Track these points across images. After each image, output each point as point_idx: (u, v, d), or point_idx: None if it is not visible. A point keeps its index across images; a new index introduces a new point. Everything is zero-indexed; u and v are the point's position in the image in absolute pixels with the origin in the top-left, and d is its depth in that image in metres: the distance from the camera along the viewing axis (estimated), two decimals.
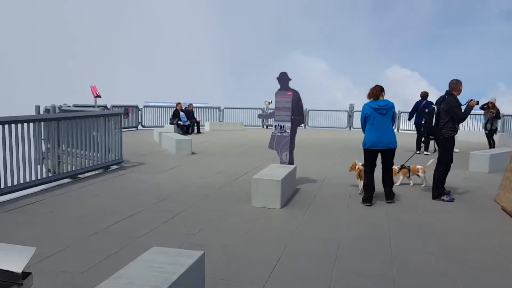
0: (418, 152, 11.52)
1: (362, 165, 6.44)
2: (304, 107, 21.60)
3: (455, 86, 6.21)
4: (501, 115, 14.71)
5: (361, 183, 6.42)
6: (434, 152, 9.99)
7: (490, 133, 12.82)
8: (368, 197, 5.91)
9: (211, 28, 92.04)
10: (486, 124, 12.78)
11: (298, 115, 7.31)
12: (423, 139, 9.11)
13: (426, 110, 6.74)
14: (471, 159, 9.10)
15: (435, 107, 6.28)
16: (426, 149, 11.51)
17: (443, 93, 6.35)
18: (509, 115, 17.75)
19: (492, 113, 12.68)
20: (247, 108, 21.64)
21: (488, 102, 12.93)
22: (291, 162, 7.27)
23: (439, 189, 6.31)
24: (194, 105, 18.37)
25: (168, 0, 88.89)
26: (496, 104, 12.89)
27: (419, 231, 4.74)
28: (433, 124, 6.21)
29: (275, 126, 7.33)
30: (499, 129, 16.03)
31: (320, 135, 17.27)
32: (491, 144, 12.87)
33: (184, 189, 6.68)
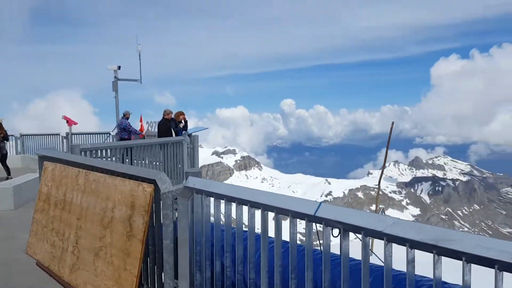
0: None
1: None
2: None
3: None
4: (9, 136, 13.55)
5: None
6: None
7: (2, 158, 11.32)
8: None
9: None
10: None
11: None
12: None
13: None
14: None
15: None
16: None
17: None
18: (27, 134, 16.85)
19: None
20: None
21: None
22: None
23: None
24: None
25: None
26: (4, 125, 11.67)
27: None
28: None
29: None
30: (12, 152, 14.85)
31: None
32: (7, 171, 11.40)
33: None
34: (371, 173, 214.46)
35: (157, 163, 8.98)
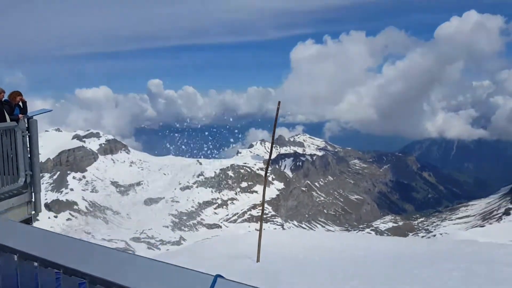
0: None
1: None
2: None
3: None
4: None
5: None
6: None
7: None
8: None
9: None
10: None
11: None
12: None
13: None
14: None
15: None
16: None
17: None
18: None
19: None
20: None
21: None
22: None
23: None
24: None
25: None
26: None
27: None
28: None
29: None
30: None
31: None
32: None
33: None
34: (240, 152, 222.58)
35: None
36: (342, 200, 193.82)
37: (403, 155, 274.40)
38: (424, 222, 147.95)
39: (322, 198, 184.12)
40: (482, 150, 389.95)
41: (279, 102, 7.82)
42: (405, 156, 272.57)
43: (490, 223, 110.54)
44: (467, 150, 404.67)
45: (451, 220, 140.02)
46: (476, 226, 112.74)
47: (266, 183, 9.62)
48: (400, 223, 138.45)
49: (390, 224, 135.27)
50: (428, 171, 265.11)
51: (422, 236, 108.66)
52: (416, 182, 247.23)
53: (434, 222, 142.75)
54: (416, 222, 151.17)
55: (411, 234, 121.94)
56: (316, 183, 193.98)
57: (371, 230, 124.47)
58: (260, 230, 8.65)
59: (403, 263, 7.12)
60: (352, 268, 6.98)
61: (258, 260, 8.56)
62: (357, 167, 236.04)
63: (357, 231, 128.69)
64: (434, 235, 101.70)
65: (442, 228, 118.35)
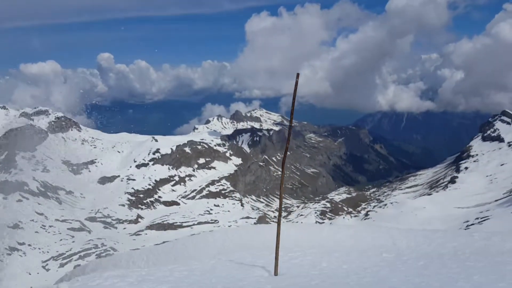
0: None
1: None
2: None
3: None
4: None
5: None
6: None
7: None
8: None
9: None
10: None
11: None
12: None
13: None
14: None
15: None
16: None
17: None
18: None
19: None
20: None
21: None
22: None
23: None
24: None
25: None
26: None
27: None
28: None
29: None
30: None
31: None
32: None
33: None
34: (197, 128, 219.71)
35: None
36: (298, 173, 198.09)
37: (356, 129, 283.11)
38: (376, 192, 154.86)
39: (279, 173, 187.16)
40: (429, 122, 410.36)
41: (298, 75, 7.28)
42: (358, 130, 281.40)
43: (437, 191, 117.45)
44: (416, 122, 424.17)
45: (401, 189, 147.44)
46: (424, 195, 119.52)
47: (283, 181, 8.62)
48: (354, 194, 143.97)
49: (344, 196, 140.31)
50: (380, 143, 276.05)
51: (374, 206, 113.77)
52: (369, 154, 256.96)
53: (385, 192, 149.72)
54: (368, 192, 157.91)
55: (363, 204, 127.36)
56: (273, 158, 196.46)
57: (327, 201, 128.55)
58: (278, 238, 7.61)
59: (443, 268, 6.47)
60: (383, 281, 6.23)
61: (276, 273, 7.56)
62: (312, 141, 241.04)
63: (313, 203, 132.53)
64: (385, 204, 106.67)
65: (392, 198, 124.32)
